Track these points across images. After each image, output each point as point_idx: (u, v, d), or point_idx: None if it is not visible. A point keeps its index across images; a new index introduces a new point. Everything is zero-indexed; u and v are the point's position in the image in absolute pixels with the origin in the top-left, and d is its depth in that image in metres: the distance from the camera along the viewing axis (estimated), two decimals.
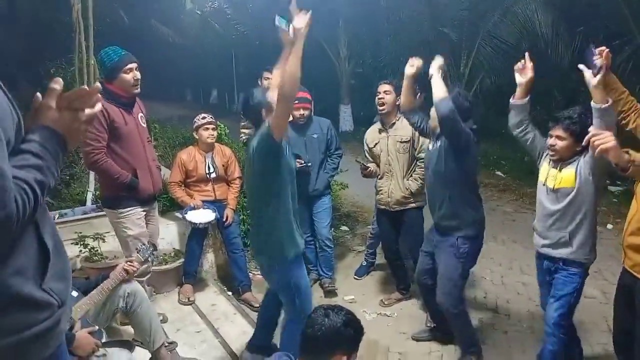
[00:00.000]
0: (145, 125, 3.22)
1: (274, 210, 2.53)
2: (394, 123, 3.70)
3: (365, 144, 3.94)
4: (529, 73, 2.66)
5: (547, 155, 2.67)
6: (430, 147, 3.11)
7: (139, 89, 3.04)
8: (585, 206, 2.55)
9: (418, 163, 3.71)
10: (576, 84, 2.49)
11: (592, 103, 2.29)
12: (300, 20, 2.29)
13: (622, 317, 2.57)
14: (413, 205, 3.71)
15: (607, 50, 2.30)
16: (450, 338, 3.27)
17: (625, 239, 2.44)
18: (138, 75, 3.00)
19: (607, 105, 2.26)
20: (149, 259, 2.94)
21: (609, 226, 5.73)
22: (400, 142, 3.66)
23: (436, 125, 2.96)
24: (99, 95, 1.27)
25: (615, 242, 5.03)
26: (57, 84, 1.20)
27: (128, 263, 2.69)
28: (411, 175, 3.71)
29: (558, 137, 2.52)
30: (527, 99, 2.71)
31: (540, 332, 3.00)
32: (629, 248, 2.41)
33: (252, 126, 2.71)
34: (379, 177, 3.82)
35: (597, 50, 2.31)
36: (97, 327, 2.45)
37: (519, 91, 2.72)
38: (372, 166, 3.83)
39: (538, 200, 2.74)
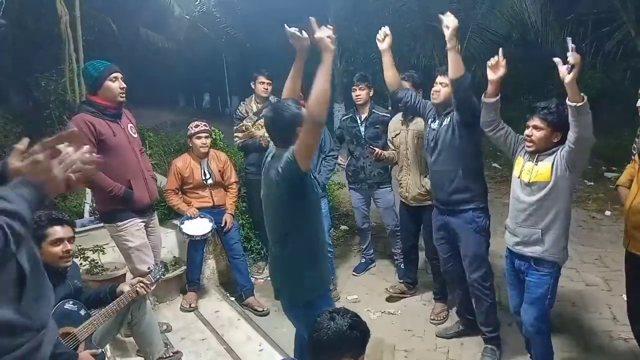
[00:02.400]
0: (136, 136, 3.18)
1: (302, 242, 2.23)
2: (414, 117, 3.58)
3: (389, 132, 3.87)
4: (501, 70, 2.58)
5: (522, 148, 2.63)
6: (434, 125, 3.09)
7: (124, 98, 3.00)
8: (560, 202, 2.48)
9: None
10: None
11: (568, 101, 2.25)
12: (325, 31, 2.01)
13: (636, 288, 2.63)
14: (430, 202, 3.55)
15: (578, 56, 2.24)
16: (474, 332, 3.28)
17: (628, 219, 2.49)
18: (123, 84, 2.98)
19: (582, 103, 2.20)
20: (159, 280, 2.94)
21: (607, 212, 5.75)
22: (419, 137, 3.52)
23: (442, 102, 3.01)
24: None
25: (615, 228, 5.05)
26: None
27: (141, 284, 2.65)
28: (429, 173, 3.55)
29: (535, 127, 2.47)
30: (497, 97, 2.64)
31: None
32: (635, 229, 2.46)
33: (278, 145, 2.24)
34: (399, 169, 3.74)
35: (572, 46, 2.25)
36: (100, 350, 2.46)
37: (490, 88, 2.64)
38: (388, 153, 3.73)
39: (512, 197, 2.67)
